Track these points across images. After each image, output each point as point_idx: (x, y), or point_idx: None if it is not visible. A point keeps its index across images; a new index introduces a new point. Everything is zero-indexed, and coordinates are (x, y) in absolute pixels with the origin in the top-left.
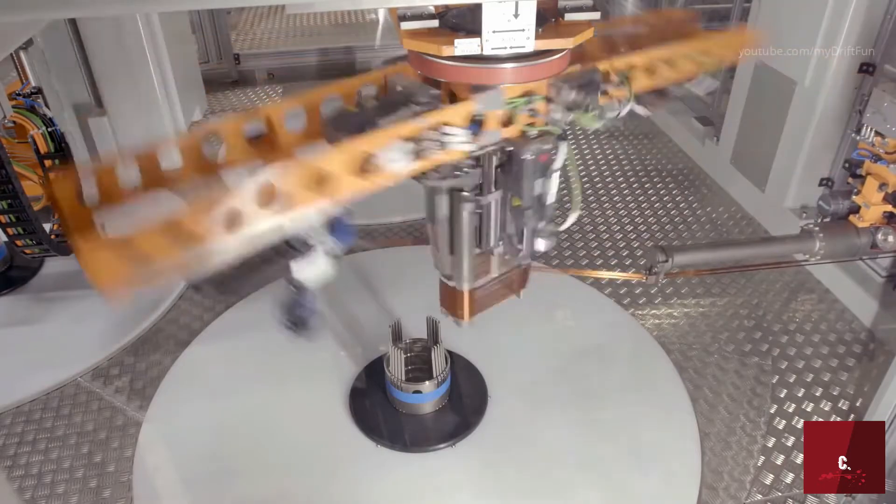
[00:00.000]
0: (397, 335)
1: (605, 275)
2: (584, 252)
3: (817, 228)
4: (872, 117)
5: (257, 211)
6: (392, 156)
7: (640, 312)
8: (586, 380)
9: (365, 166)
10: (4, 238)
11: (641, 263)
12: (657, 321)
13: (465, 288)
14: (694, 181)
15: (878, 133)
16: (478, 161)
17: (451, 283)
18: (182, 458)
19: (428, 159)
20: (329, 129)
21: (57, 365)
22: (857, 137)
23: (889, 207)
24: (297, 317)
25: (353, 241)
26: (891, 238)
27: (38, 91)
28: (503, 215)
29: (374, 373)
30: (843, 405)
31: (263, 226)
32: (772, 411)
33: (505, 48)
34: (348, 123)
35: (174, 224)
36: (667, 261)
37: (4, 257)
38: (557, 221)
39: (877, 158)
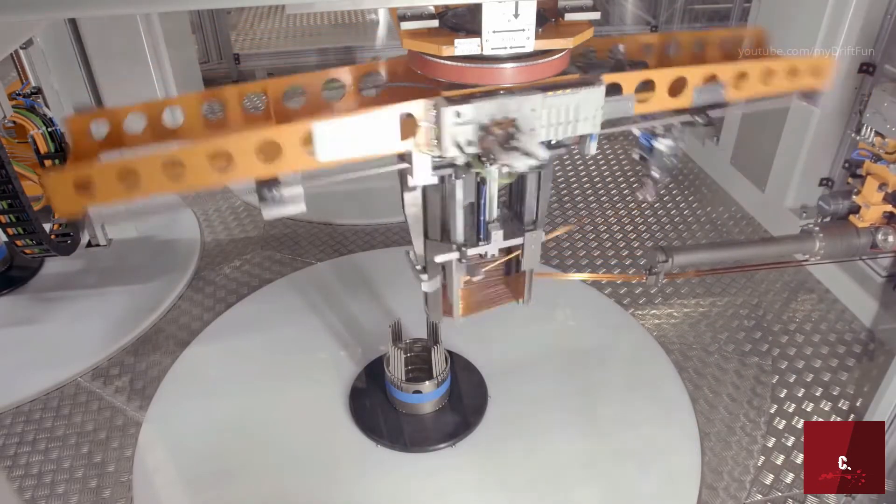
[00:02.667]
0: (397, 335)
1: (604, 277)
2: (584, 252)
3: (817, 228)
4: (872, 117)
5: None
6: None
7: (640, 312)
8: (586, 380)
9: None
10: (4, 238)
11: (641, 264)
12: (657, 321)
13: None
14: (694, 181)
15: (878, 133)
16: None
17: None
18: (182, 458)
19: None
20: None
21: (57, 365)
22: (858, 137)
23: (889, 207)
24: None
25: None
26: (891, 238)
27: (38, 91)
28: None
29: (374, 373)
30: (843, 405)
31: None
32: (772, 411)
33: (505, 48)
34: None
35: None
36: (667, 261)
37: (4, 257)
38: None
39: (877, 158)
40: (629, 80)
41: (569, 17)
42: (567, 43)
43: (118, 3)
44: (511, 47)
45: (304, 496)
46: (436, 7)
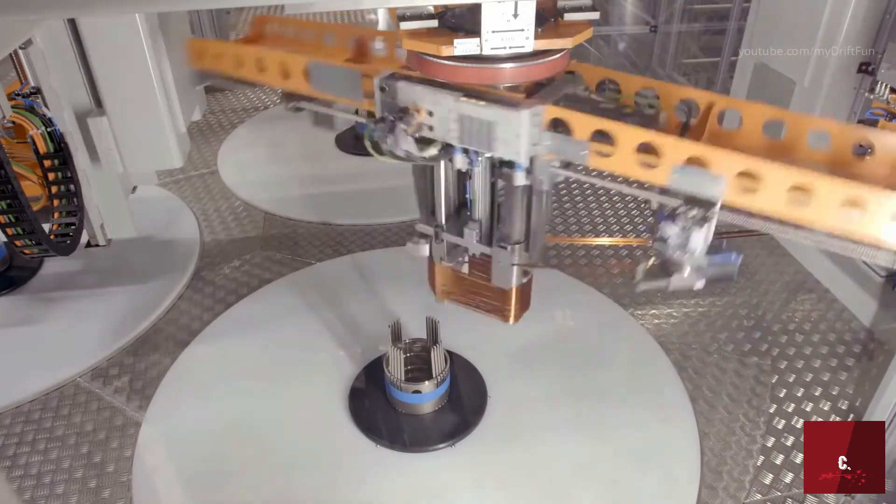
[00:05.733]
0: (397, 335)
1: (609, 241)
2: (584, 252)
3: None
4: (887, 73)
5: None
6: None
7: (639, 312)
8: (586, 380)
9: None
10: (4, 238)
11: (642, 228)
12: (657, 321)
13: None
14: None
15: (893, 90)
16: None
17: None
18: (182, 458)
19: None
20: None
21: (57, 365)
22: (871, 97)
23: None
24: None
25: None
26: None
27: (38, 91)
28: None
29: (373, 373)
30: (843, 405)
31: None
32: (771, 411)
33: (504, 48)
34: None
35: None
36: None
37: (4, 257)
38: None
39: (892, 116)
40: (577, 122)
41: (568, 17)
42: (566, 43)
43: (118, 3)
44: (510, 47)
45: (303, 496)
46: (435, 7)
